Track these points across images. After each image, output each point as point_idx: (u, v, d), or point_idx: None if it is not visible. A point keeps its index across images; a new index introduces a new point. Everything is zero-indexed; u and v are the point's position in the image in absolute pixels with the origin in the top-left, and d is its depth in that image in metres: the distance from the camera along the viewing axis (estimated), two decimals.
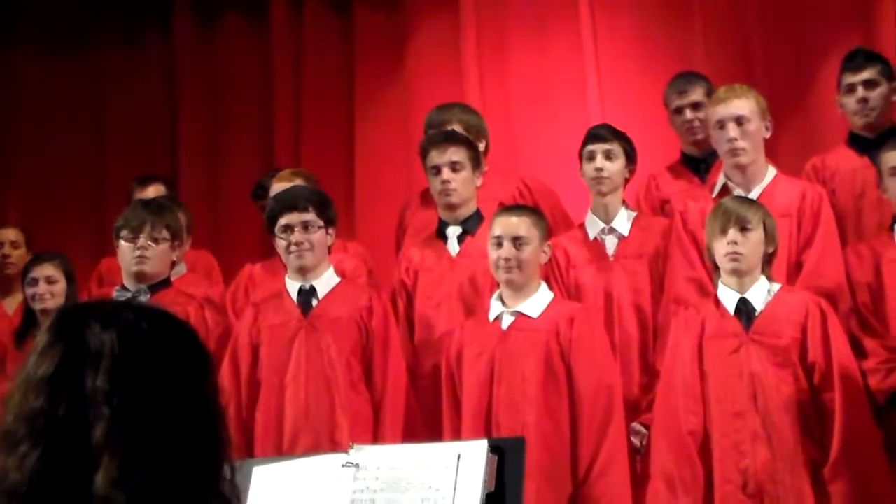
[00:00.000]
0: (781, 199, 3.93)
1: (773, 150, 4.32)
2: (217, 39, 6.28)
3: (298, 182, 4.37)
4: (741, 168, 3.99)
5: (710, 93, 4.40)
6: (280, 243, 3.93)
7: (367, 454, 2.73)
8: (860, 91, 4.25)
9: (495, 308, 3.79)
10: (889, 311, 3.82)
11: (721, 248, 3.53)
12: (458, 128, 4.48)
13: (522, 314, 3.74)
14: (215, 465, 1.42)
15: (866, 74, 4.25)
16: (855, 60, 4.31)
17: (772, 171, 4.04)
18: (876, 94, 4.25)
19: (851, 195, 4.23)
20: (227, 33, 6.27)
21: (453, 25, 5.79)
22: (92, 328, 1.41)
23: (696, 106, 4.47)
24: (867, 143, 4.25)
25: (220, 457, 1.43)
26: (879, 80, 4.26)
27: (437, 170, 4.22)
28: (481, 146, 4.50)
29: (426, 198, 4.62)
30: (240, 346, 3.90)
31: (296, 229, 3.87)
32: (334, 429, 3.74)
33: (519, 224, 3.76)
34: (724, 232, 3.51)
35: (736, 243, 3.50)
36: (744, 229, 3.50)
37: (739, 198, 3.73)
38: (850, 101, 4.29)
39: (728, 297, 3.55)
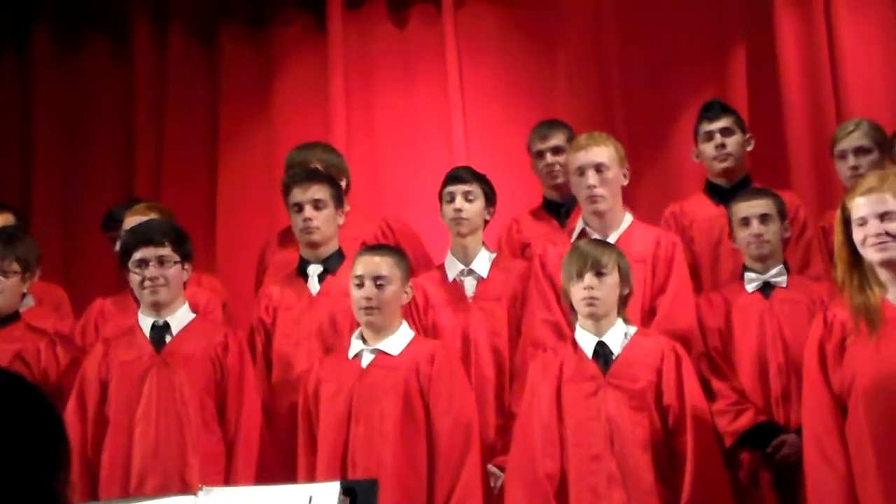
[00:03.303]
0: (637, 245, 4.01)
1: (631, 197, 4.42)
2: (77, 62, 6.12)
3: (153, 216, 4.27)
4: (599, 214, 4.06)
5: (571, 139, 4.50)
6: (134, 278, 3.82)
7: (216, 496, 2.67)
8: (718, 138, 4.46)
9: (355, 345, 3.76)
10: (737, 355, 3.93)
11: (577, 293, 3.56)
12: (318, 167, 4.46)
13: (382, 352, 3.71)
14: None
15: (723, 123, 4.47)
16: (712, 110, 4.54)
17: (628, 218, 4.13)
18: (732, 141, 4.47)
19: (708, 243, 4.38)
20: (89, 56, 6.12)
21: (321, 64, 5.80)
22: None
23: (556, 150, 4.57)
24: (723, 193, 4.42)
25: None
26: (734, 129, 4.49)
27: (298, 207, 4.20)
28: (342, 185, 4.49)
29: (284, 237, 4.62)
30: (87, 382, 3.76)
31: (150, 264, 3.78)
32: (185, 469, 3.63)
33: (381, 264, 3.74)
34: (579, 276, 3.55)
35: (592, 288, 3.54)
36: (599, 273, 3.55)
37: (594, 241, 3.78)
38: (709, 148, 4.47)
39: (586, 341, 3.58)
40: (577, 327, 3.61)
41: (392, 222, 4.69)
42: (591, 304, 3.53)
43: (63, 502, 1.25)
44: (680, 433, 3.46)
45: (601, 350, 3.55)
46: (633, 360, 3.53)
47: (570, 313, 3.69)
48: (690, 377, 3.55)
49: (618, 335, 3.57)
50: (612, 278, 3.56)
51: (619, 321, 3.60)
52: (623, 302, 3.62)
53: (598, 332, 3.57)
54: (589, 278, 3.53)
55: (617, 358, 3.54)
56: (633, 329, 3.62)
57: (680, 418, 3.47)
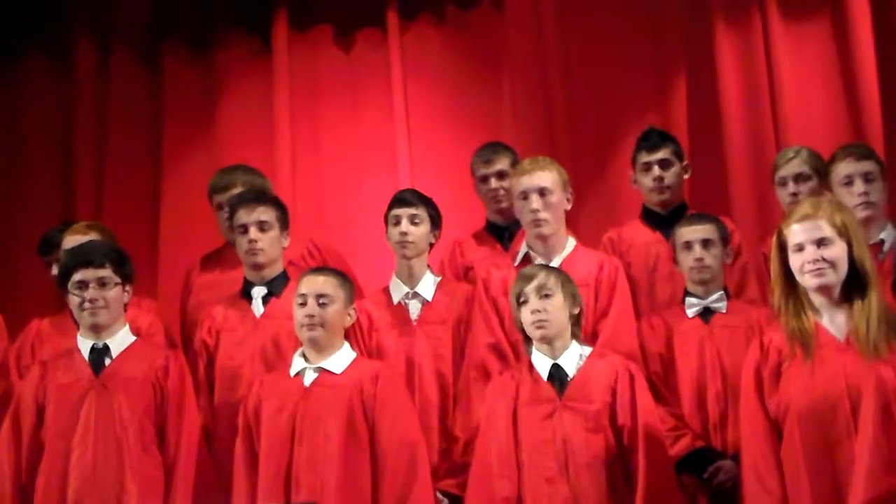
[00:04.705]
0: (580, 269, 4.03)
1: (573, 222, 4.46)
2: (16, 81, 6.02)
3: (93, 236, 4.22)
4: (543, 238, 4.09)
5: (515, 163, 4.52)
6: (73, 300, 3.77)
7: None
8: (656, 170, 4.47)
9: (297, 363, 3.75)
10: (679, 380, 3.96)
11: (526, 318, 3.59)
12: (243, 189, 4.47)
13: (326, 370, 3.70)
14: None
15: (661, 154, 4.48)
16: (650, 140, 4.53)
17: (572, 242, 4.16)
18: (670, 173, 4.48)
19: (645, 269, 4.40)
20: (27, 75, 6.03)
21: (266, 86, 5.78)
22: None
23: (501, 175, 4.58)
24: (660, 219, 4.47)
25: None
26: (672, 160, 4.50)
27: (244, 229, 4.19)
28: None
29: (208, 260, 4.67)
30: (23, 405, 3.70)
31: (91, 286, 3.74)
32: (122, 494, 3.58)
33: (325, 283, 3.76)
34: (525, 300, 3.58)
35: (539, 311, 3.56)
36: (545, 296, 3.58)
37: (537, 266, 3.78)
38: (647, 179, 4.49)
39: (541, 363, 3.59)
40: (534, 350, 3.62)
41: (318, 243, 4.72)
42: (540, 327, 3.56)
43: None
44: (634, 451, 3.48)
45: (556, 372, 3.57)
46: (588, 381, 3.55)
47: (525, 339, 3.68)
48: (644, 395, 3.57)
49: (573, 357, 3.59)
50: (558, 298, 3.58)
51: (574, 343, 3.62)
52: (575, 321, 3.64)
53: (554, 355, 3.59)
54: (535, 301, 3.55)
55: (572, 380, 3.55)
56: (587, 349, 3.64)
57: (633, 436, 3.49)
